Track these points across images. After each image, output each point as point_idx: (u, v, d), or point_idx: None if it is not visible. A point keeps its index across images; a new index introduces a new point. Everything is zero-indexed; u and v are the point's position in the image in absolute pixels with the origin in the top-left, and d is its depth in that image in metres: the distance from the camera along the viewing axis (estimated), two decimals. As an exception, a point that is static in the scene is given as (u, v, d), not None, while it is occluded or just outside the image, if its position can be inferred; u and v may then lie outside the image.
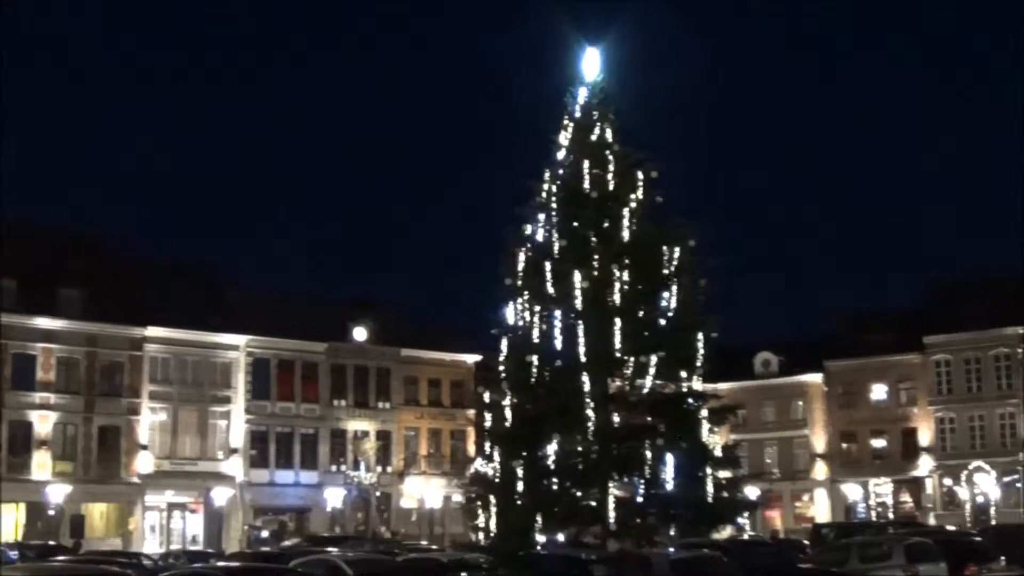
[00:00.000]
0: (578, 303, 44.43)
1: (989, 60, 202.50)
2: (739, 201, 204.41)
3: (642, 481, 44.27)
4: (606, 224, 45.75)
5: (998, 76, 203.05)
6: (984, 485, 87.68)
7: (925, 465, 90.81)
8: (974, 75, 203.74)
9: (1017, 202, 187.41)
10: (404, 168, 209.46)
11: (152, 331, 76.44)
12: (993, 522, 74.92)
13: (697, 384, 46.03)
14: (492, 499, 45.05)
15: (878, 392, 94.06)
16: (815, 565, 35.08)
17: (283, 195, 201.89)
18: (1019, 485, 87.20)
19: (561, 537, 44.08)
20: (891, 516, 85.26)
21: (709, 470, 45.00)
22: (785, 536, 72.14)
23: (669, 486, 43.78)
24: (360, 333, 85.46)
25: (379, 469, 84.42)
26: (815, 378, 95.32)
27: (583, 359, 43.97)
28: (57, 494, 71.86)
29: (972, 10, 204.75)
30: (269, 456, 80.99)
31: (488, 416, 46.94)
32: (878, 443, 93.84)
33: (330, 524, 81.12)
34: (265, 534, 76.18)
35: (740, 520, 51.59)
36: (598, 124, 47.57)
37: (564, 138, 47.55)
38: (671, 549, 36.07)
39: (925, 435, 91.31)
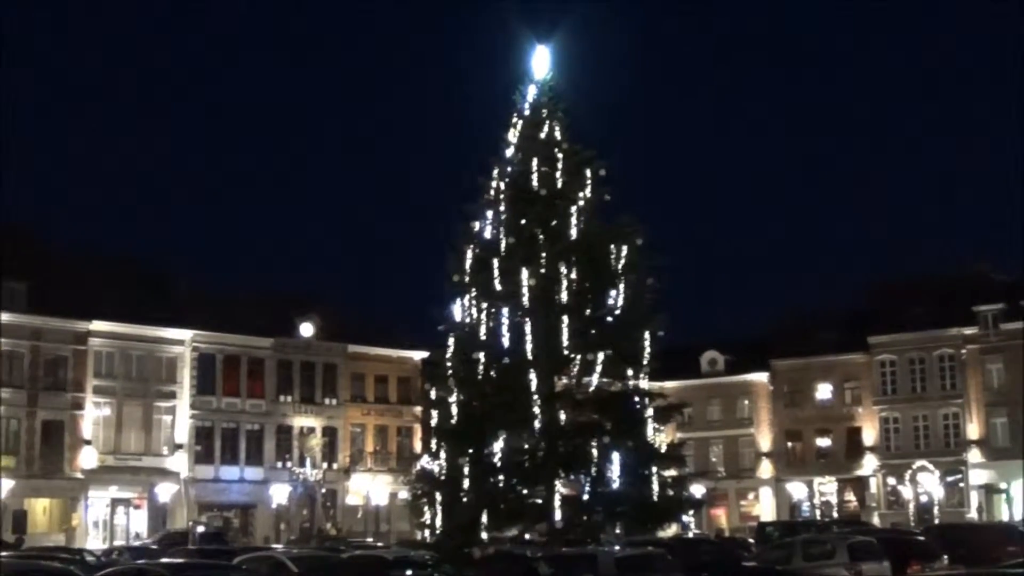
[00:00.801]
0: (525, 300, 44.39)
1: (938, 61, 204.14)
2: (687, 200, 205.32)
3: (588, 479, 44.29)
4: (554, 222, 45.73)
5: (947, 78, 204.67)
6: (927, 484, 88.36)
7: (869, 464, 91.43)
8: (923, 77, 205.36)
9: (963, 203, 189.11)
10: (353, 164, 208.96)
11: (97, 325, 75.79)
12: (936, 521, 75.53)
13: (643, 382, 46.08)
14: (438, 496, 44.93)
15: (823, 391, 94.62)
16: (759, 563, 35.24)
17: (230, 190, 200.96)
18: (962, 485, 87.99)
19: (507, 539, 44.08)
20: (835, 515, 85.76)
21: (655, 468, 45.06)
22: (730, 534, 72.49)
23: (615, 484, 43.82)
24: (307, 329, 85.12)
25: (325, 466, 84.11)
26: (761, 377, 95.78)
27: (530, 356, 43.93)
28: (-1, 489, 71.21)
29: (918, 11, 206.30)
30: (214, 452, 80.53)
31: (434, 413, 46.81)
32: (823, 442, 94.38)
33: (275, 521, 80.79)
34: (201, 529, 75.76)
35: (685, 518, 51.68)
36: (547, 122, 47.52)
37: (513, 135, 47.46)
38: (616, 547, 36.07)
39: (869, 434, 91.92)
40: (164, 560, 38.28)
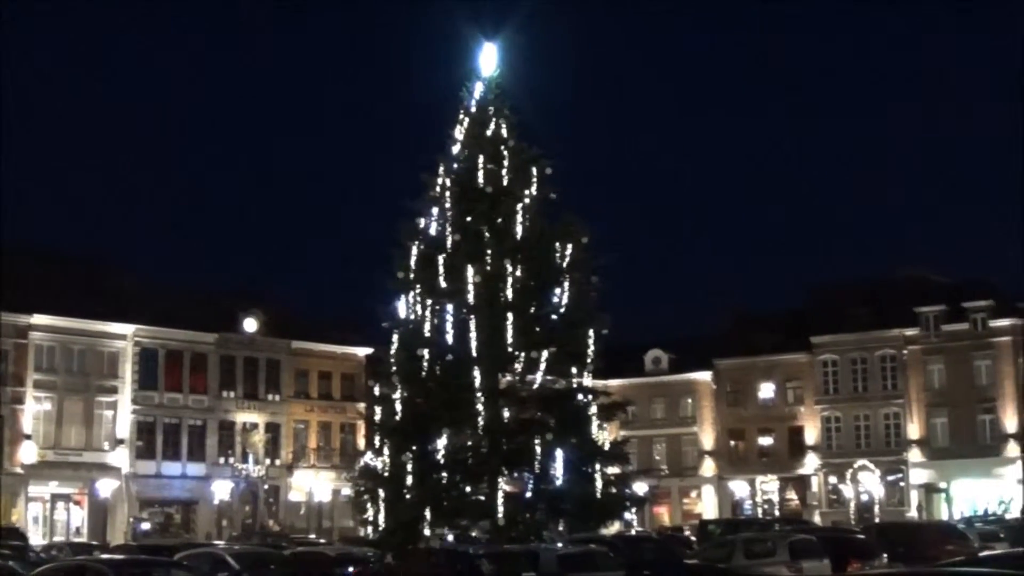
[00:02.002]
0: (470, 298, 44.43)
1: (875, 63, 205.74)
2: (632, 199, 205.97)
3: (531, 476, 44.39)
4: (500, 219, 45.79)
5: (888, 82, 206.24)
6: (868, 483, 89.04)
7: (811, 463, 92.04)
8: (866, 79, 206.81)
9: (905, 205, 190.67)
10: (298, 159, 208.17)
11: (38, 319, 75.15)
12: (877, 520, 76.12)
13: (587, 380, 46.25)
14: (381, 493, 44.91)
15: (766, 391, 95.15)
16: (701, 561, 35.40)
17: (174, 183, 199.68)
18: (902, 484, 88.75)
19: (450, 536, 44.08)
20: (777, 513, 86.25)
21: (598, 466, 45.21)
22: (672, 532, 72.74)
23: (558, 481, 43.93)
24: (250, 324, 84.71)
25: (268, 462, 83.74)
26: (704, 376, 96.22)
27: (474, 354, 43.97)
28: (-63, 484, 70.46)
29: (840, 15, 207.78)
30: (156, 447, 79.98)
31: (378, 410, 46.79)
32: (765, 441, 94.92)
33: (217, 517, 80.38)
34: (147, 526, 75.28)
35: (628, 516, 51.97)
36: (494, 119, 47.58)
37: (459, 132, 47.50)
38: (559, 544, 36.16)
39: (811, 434, 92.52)
40: (105, 556, 38.11)
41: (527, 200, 46.02)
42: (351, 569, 33.63)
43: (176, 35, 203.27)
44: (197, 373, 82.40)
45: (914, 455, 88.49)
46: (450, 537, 42.88)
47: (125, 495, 77.15)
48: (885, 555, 35.18)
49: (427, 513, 43.16)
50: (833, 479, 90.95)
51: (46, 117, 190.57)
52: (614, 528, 51.07)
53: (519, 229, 45.49)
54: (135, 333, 78.85)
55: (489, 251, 44.99)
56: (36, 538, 69.57)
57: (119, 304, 77.48)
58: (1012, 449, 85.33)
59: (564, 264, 45.50)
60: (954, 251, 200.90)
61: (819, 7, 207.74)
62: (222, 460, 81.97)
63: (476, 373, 43.70)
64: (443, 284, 44.89)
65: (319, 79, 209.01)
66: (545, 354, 44.45)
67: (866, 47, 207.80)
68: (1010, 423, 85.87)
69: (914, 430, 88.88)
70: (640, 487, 57.24)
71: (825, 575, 32.29)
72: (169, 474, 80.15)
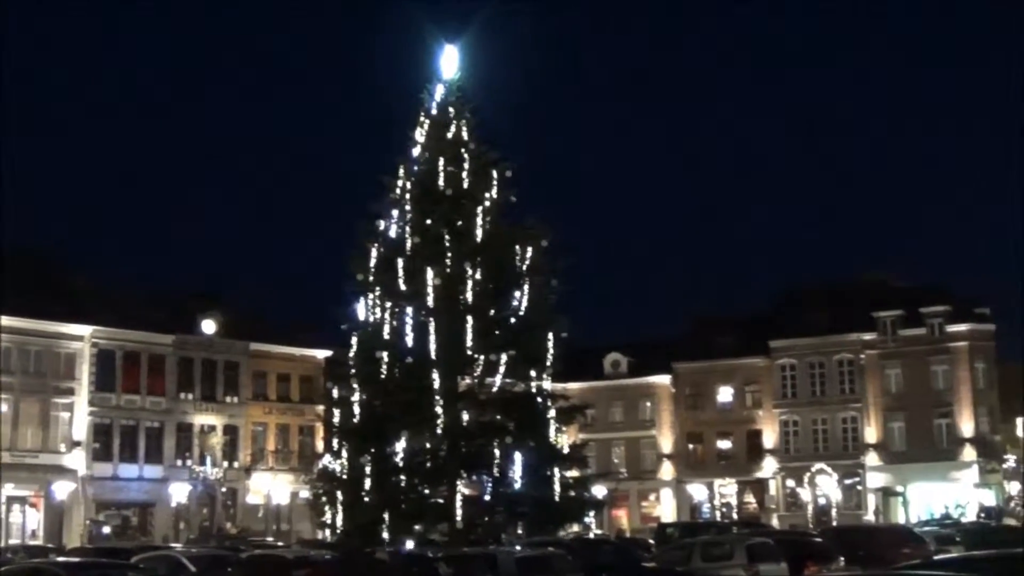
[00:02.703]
0: (430, 300, 44.51)
1: (836, 63, 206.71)
2: (593, 202, 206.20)
3: (490, 479, 44.51)
4: (460, 222, 45.89)
5: (859, 87, 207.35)
6: (826, 487, 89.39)
7: (769, 466, 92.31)
8: (831, 85, 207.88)
9: (862, 210, 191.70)
10: (258, 160, 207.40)
11: (-7, 320, 74.47)
12: (834, 523, 76.42)
13: (546, 383, 46.39)
14: (339, 496, 44.89)
15: (724, 394, 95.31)
16: (659, 564, 35.43)
17: (132, 184, 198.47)
18: (859, 487, 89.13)
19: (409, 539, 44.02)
20: (735, 516, 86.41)
21: (557, 469, 45.39)
22: (631, 535, 72.84)
23: (517, 484, 44.07)
24: (208, 326, 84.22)
25: (225, 464, 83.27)
26: (663, 380, 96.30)
27: (433, 356, 44.04)
28: None
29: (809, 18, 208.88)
30: (113, 449, 79.32)
31: (337, 412, 46.84)
32: (723, 444, 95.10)
33: (175, 520, 79.90)
34: (107, 530, 74.72)
35: (586, 519, 52.11)
36: (454, 122, 47.71)
37: (420, 135, 47.58)
38: (517, 547, 36.15)
39: (769, 437, 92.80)
40: (60, 559, 37.82)
41: (487, 203, 46.15)
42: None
43: (137, 35, 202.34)
44: (155, 375, 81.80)
45: (871, 459, 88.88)
46: (410, 544, 42.80)
47: (81, 497, 76.51)
48: (842, 558, 35.33)
49: (385, 516, 43.19)
50: (791, 482, 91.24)
51: None
52: (573, 531, 51.07)
53: (479, 232, 45.60)
54: (92, 334, 78.23)
55: (449, 254, 45.10)
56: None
57: (76, 305, 76.86)
58: (968, 453, 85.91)
59: (524, 267, 45.65)
60: (913, 257, 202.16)
61: (785, 10, 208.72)
62: (179, 462, 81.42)
63: (435, 376, 43.77)
64: (403, 286, 44.95)
65: (280, 79, 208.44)
66: (504, 357, 44.59)
67: (831, 51, 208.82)
68: (966, 427, 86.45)
69: (871, 434, 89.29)
70: (598, 490, 57.46)
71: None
72: (126, 476, 79.50)
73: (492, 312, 45.74)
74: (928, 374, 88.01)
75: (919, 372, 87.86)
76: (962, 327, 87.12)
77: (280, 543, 62.25)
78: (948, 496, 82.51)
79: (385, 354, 44.90)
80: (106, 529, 74.54)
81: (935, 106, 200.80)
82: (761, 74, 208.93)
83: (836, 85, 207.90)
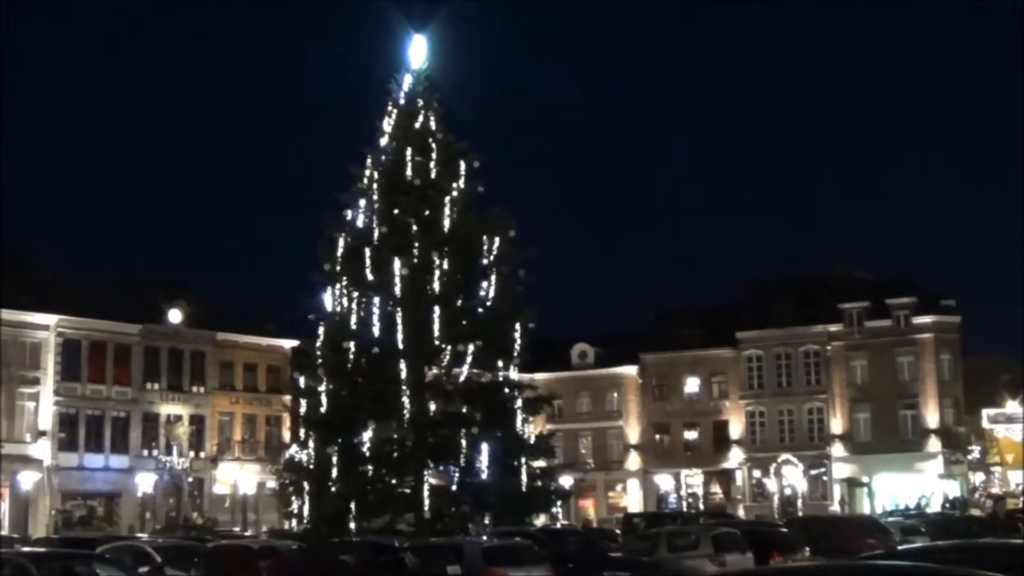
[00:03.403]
0: (397, 290, 44.49)
1: (804, 61, 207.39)
2: (561, 193, 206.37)
3: (457, 470, 44.56)
4: (427, 212, 45.88)
5: (815, 78, 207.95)
6: (792, 477, 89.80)
7: (735, 457, 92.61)
8: (796, 76, 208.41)
9: (829, 202, 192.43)
10: (226, 148, 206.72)
11: (-42, 309, 74.02)
12: (800, 513, 76.73)
13: (513, 374, 46.49)
14: (306, 486, 44.85)
15: (691, 385, 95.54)
16: (625, 554, 35.49)
17: (99, 173, 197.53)
18: (825, 478, 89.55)
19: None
20: (701, 507, 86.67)
21: (524, 459, 45.48)
22: (598, 525, 72.97)
23: (484, 475, 44.12)
24: (175, 315, 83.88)
25: (192, 454, 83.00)
26: (630, 370, 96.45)
27: (401, 347, 44.05)
28: None
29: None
30: (79, 439, 78.93)
31: (304, 402, 46.76)
32: (690, 435, 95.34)
33: (141, 510, 79.63)
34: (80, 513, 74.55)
35: (553, 509, 52.19)
36: (422, 112, 47.66)
37: (388, 125, 47.52)
38: (484, 537, 36.17)
39: (736, 428, 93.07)
40: (26, 549, 37.62)
41: (455, 193, 46.16)
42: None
43: (103, 27, 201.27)
44: (121, 364, 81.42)
45: (837, 450, 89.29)
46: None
47: (47, 488, 76.18)
48: (807, 548, 35.47)
49: (352, 506, 43.17)
50: (757, 473, 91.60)
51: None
52: (539, 521, 51.11)
53: (446, 222, 45.61)
54: (58, 324, 77.82)
55: (416, 244, 45.08)
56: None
57: (41, 294, 76.41)
58: (933, 444, 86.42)
59: (491, 258, 45.69)
60: (878, 248, 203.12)
61: (750, 8, 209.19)
62: (146, 452, 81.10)
63: (402, 366, 43.79)
64: (370, 277, 44.90)
65: (247, 70, 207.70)
66: (471, 347, 44.64)
67: (798, 43, 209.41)
68: (931, 419, 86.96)
69: (837, 425, 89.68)
70: (565, 480, 57.49)
71: (748, 568, 32.47)
72: (92, 466, 79.15)
73: (459, 302, 45.78)
74: (894, 365, 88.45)
75: (885, 364, 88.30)
76: (928, 319, 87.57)
77: (249, 533, 62.16)
78: (913, 487, 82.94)
79: (352, 344, 44.89)
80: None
81: (901, 100, 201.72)
82: (727, 69, 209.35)
83: (802, 78, 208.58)
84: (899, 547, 27.64)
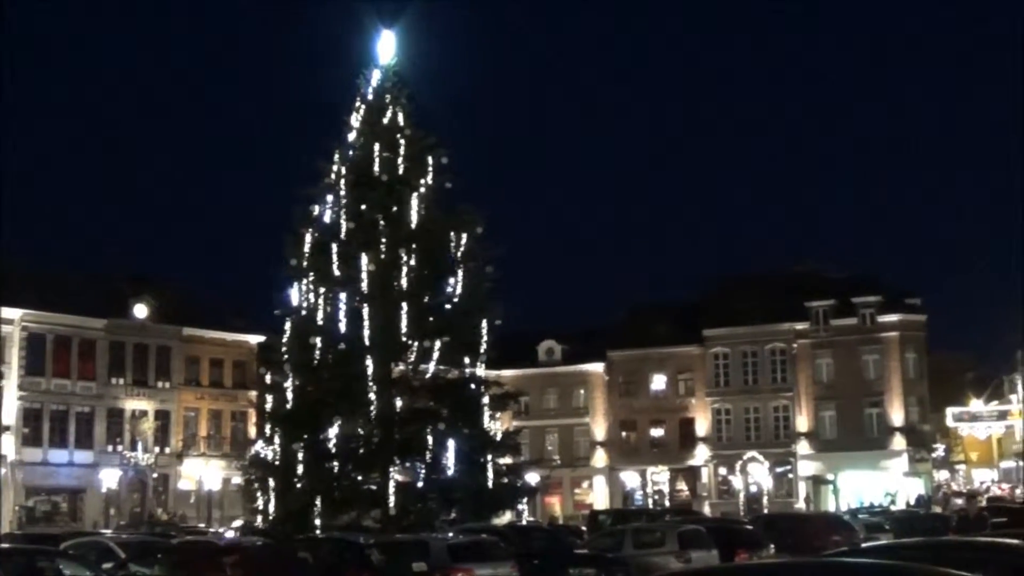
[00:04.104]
0: (364, 286, 44.40)
1: (772, 62, 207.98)
2: (529, 189, 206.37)
3: (423, 466, 44.50)
4: (395, 208, 45.81)
5: (782, 80, 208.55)
6: (757, 475, 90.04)
7: (701, 454, 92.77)
8: (761, 76, 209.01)
9: (796, 200, 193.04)
10: (192, 142, 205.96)
11: (-79, 302, 73.49)
12: (765, 511, 76.97)
13: (480, 370, 46.47)
14: (272, 482, 44.72)
15: (658, 382, 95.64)
16: (591, 550, 35.53)
17: (64, 165, 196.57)
18: (791, 475, 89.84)
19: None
20: (667, 504, 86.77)
21: (490, 456, 45.45)
22: (564, 522, 73.02)
23: (450, 471, 44.07)
24: (141, 310, 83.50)
25: (157, 450, 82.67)
26: (597, 367, 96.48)
27: (367, 342, 43.95)
28: None
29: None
30: (43, 434, 78.51)
31: (270, 398, 46.66)
32: (656, 432, 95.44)
33: (105, 506, 79.25)
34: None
35: (519, 506, 52.20)
36: (390, 107, 47.59)
37: (356, 120, 47.43)
38: (450, 534, 36.13)
39: (702, 425, 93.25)
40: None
41: (422, 189, 46.11)
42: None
43: (65, 20, 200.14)
44: (86, 359, 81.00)
45: (802, 447, 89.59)
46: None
47: (11, 483, 75.73)
48: (772, 546, 35.57)
49: (318, 502, 43.07)
50: (723, 470, 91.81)
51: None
52: (506, 518, 51.13)
53: (414, 218, 45.55)
54: (22, 318, 77.36)
55: (384, 239, 45.01)
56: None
57: (6, 288, 75.81)
58: (898, 442, 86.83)
59: (458, 254, 45.67)
60: (844, 246, 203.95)
61: (716, 10, 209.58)
62: (111, 448, 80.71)
63: (369, 362, 43.70)
64: (337, 272, 44.82)
65: (216, 62, 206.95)
66: (438, 343, 44.59)
67: (763, 42, 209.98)
68: (896, 417, 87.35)
69: (803, 423, 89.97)
70: (532, 477, 57.47)
71: (713, 565, 32.53)
72: (56, 462, 78.74)
73: (426, 298, 45.72)
74: (859, 364, 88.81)
75: (850, 361, 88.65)
76: (893, 317, 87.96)
77: (213, 529, 61.96)
78: (878, 484, 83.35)
79: (319, 340, 44.78)
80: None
81: (864, 100, 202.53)
82: (692, 62, 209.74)
83: (766, 76, 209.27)
84: (863, 544, 27.71)
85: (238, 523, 63.09)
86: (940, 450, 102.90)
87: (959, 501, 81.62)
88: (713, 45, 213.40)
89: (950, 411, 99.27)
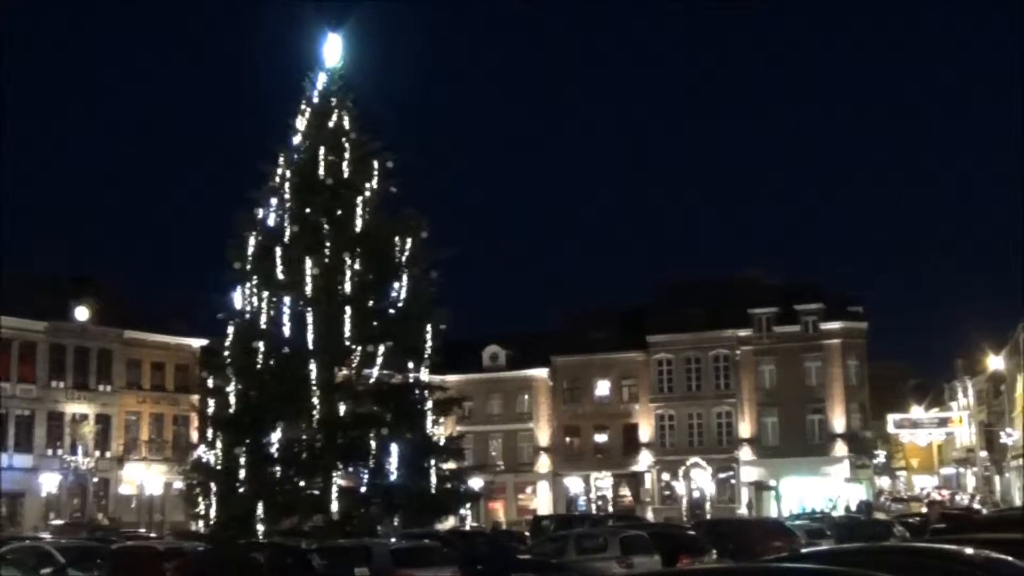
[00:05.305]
0: (308, 290, 44.31)
1: (715, 63, 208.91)
2: (475, 195, 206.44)
3: (366, 471, 44.43)
4: (339, 212, 45.75)
5: (723, 83, 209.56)
6: (700, 480, 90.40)
7: (645, 460, 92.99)
8: (703, 86, 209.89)
9: (739, 208, 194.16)
10: (135, 143, 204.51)
11: None
12: (708, 516, 77.25)
13: (424, 375, 46.45)
14: (213, 487, 44.50)
15: (602, 388, 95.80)
16: (533, 556, 35.53)
17: (3, 165, 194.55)
18: (733, 481, 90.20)
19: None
20: (611, 509, 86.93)
21: (433, 461, 45.45)
22: (507, 527, 73.03)
23: (393, 476, 44.02)
24: (82, 312, 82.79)
25: (98, 454, 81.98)
26: (541, 373, 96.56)
27: (311, 347, 43.84)
28: None
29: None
30: (-19, 438, 77.78)
31: (212, 402, 46.41)
32: (600, 438, 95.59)
33: (45, 510, 78.51)
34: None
35: (463, 511, 52.17)
36: (336, 111, 47.51)
37: (301, 123, 47.32)
38: (392, 539, 36.07)
39: (645, 431, 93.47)
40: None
41: (367, 193, 46.07)
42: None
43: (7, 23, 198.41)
44: (25, 362, 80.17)
45: (745, 453, 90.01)
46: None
47: (-51, 486, 74.96)
48: (714, 551, 35.70)
49: (260, 507, 42.89)
50: (666, 476, 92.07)
51: None
52: (449, 523, 51.07)
53: (359, 222, 45.51)
54: (-39, 320, 76.62)
55: (328, 243, 44.93)
56: None
57: (-56, 290, 75.20)
58: (839, 448, 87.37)
59: (403, 258, 45.65)
60: (787, 254, 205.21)
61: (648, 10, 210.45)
62: (50, 452, 79.97)
63: (312, 366, 43.59)
64: (281, 276, 44.68)
65: (161, 62, 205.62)
66: (382, 348, 44.54)
67: (696, 47, 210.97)
68: (838, 423, 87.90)
69: (745, 429, 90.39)
70: (475, 483, 57.46)
71: (655, 571, 32.65)
72: (-6, 465, 77.99)
73: (371, 303, 45.67)
74: (801, 370, 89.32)
75: (793, 368, 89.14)
76: (835, 325, 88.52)
77: (152, 534, 61.53)
78: (819, 490, 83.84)
79: (262, 344, 44.63)
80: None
81: (805, 109, 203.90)
82: (638, 68, 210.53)
83: (710, 80, 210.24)
84: (803, 550, 27.85)
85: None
86: (881, 456, 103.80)
87: (899, 506, 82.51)
88: (649, 53, 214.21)
89: (891, 418, 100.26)
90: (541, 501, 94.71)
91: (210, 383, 47.54)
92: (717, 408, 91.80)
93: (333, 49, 48.58)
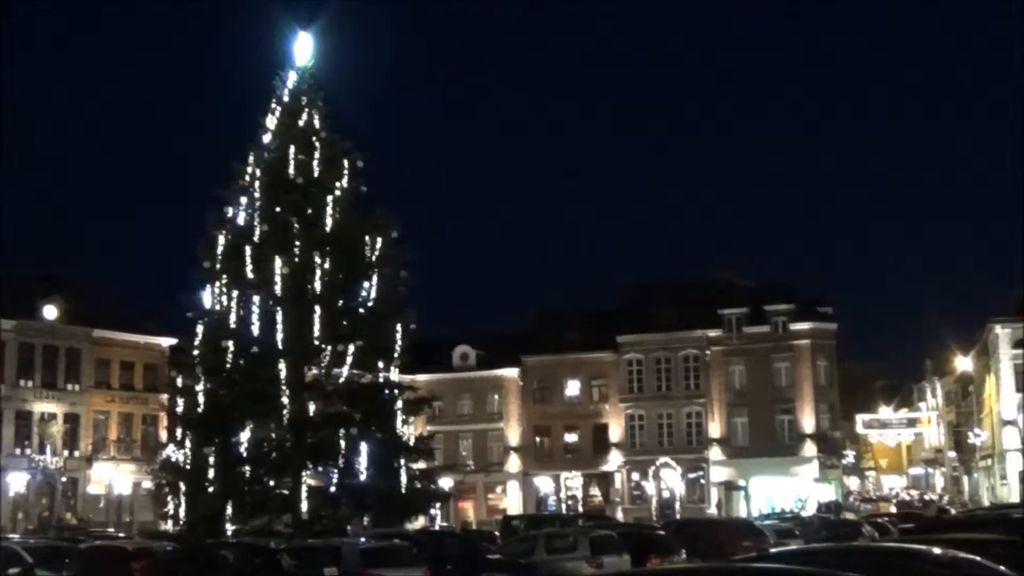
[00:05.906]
0: (278, 289, 44.20)
1: (685, 63, 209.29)
2: (445, 195, 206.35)
3: (336, 471, 44.35)
4: (309, 211, 45.68)
5: (698, 83, 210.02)
6: (670, 480, 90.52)
7: (615, 460, 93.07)
8: (676, 85, 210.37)
9: (710, 208, 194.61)
10: (105, 142, 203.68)
11: None
12: (677, 516, 77.44)
13: (394, 375, 46.43)
14: (182, 486, 44.36)
15: (572, 388, 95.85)
16: (503, 556, 35.53)
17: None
18: (703, 481, 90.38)
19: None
20: (581, 509, 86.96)
21: (403, 461, 45.41)
22: (477, 527, 72.98)
23: (363, 476, 43.96)
24: (50, 311, 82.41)
25: (66, 453, 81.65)
26: (512, 373, 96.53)
27: (280, 346, 43.75)
28: None
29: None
30: (-52, 437, 77.38)
31: (181, 401, 46.29)
32: (570, 438, 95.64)
33: (13, 510, 78.12)
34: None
35: (432, 511, 52.12)
36: (306, 110, 47.42)
37: (271, 122, 47.22)
38: (362, 539, 36.00)
39: (615, 431, 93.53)
40: None
41: (337, 192, 46.01)
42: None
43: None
44: (-7, 361, 79.87)
45: (715, 453, 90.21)
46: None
47: (-86, 486, 74.54)
48: (684, 551, 35.76)
49: (229, 507, 42.77)
50: (636, 476, 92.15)
51: None
52: (419, 523, 51.01)
53: (329, 221, 45.45)
54: (-72, 319, 76.22)
55: (298, 243, 44.85)
56: None
57: (-88, 288, 74.79)
58: (809, 449, 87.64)
59: (373, 258, 45.58)
60: (757, 255, 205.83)
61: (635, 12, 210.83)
62: (18, 451, 79.59)
63: (282, 366, 43.50)
64: (250, 275, 44.57)
65: (130, 61, 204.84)
66: (352, 348, 44.49)
67: (661, 46, 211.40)
68: (807, 423, 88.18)
69: (715, 429, 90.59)
70: (445, 482, 57.41)
71: (624, 570, 32.71)
72: (-39, 465, 77.60)
73: (340, 302, 45.60)
74: (771, 371, 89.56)
75: (762, 369, 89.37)
76: (805, 326, 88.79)
77: (121, 534, 61.29)
78: (789, 490, 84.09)
79: (231, 343, 44.51)
80: None
81: (775, 109, 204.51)
82: (601, 68, 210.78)
83: (682, 76, 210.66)
84: (772, 550, 27.93)
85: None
86: (850, 457, 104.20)
87: (868, 506, 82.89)
88: (614, 53, 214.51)
89: (860, 418, 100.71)
90: (511, 501, 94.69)
91: (179, 382, 47.42)
92: (687, 408, 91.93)
93: (303, 48, 48.50)
